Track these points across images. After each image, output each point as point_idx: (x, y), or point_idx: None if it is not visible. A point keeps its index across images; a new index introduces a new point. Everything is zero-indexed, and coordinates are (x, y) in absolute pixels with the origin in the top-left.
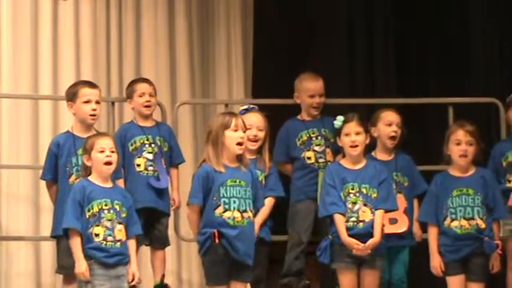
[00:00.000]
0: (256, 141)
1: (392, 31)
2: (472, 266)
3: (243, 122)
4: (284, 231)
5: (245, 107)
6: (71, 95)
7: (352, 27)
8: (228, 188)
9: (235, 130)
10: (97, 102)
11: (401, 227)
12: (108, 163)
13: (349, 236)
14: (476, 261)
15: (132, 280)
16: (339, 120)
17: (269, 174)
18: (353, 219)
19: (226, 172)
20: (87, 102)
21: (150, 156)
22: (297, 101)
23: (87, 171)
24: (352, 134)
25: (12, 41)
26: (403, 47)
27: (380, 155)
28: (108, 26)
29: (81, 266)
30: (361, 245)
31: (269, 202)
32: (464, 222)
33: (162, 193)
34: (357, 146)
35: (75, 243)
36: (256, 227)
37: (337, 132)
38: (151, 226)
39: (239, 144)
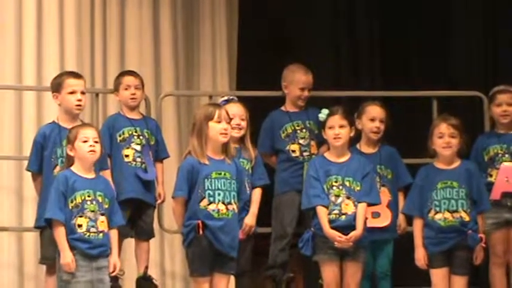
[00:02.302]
0: (240, 129)
1: (377, 25)
2: (456, 258)
3: (227, 113)
4: (268, 223)
5: (225, 98)
6: (56, 86)
7: (338, 18)
8: (212, 180)
9: (219, 121)
10: (82, 93)
11: (384, 221)
12: (91, 152)
13: (332, 228)
14: (460, 254)
15: (114, 271)
16: (323, 113)
17: (255, 164)
18: (335, 211)
19: (210, 164)
20: (72, 92)
21: (138, 148)
22: (284, 91)
23: (70, 161)
24: (336, 127)
25: None
26: (387, 41)
27: (364, 147)
28: (92, 18)
29: (67, 257)
30: (343, 237)
31: (259, 191)
32: (448, 215)
33: (149, 185)
34: (340, 138)
35: (60, 234)
36: (253, 218)
37: (322, 124)
38: (137, 218)
39: (223, 134)
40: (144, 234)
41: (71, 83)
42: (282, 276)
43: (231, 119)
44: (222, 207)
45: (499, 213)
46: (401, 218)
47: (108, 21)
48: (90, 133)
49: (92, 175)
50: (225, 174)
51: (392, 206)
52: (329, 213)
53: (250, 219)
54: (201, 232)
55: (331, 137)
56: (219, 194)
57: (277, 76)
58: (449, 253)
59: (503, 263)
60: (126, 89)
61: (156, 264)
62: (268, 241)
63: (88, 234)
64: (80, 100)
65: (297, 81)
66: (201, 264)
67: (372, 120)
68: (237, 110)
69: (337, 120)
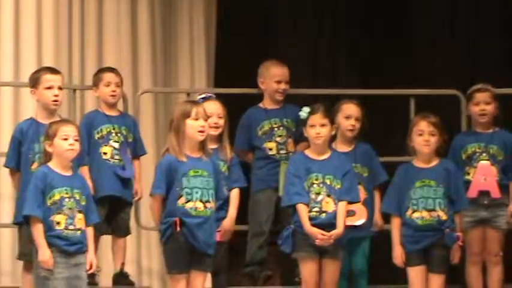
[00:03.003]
0: (217, 127)
1: (357, 23)
2: (433, 257)
3: (204, 111)
4: (245, 221)
5: (203, 95)
6: (34, 81)
7: (316, 17)
8: (190, 178)
9: (196, 119)
10: (59, 88)
11: (359, 219)
12: (71, 151)
13: (312, 226)
14: (437, 252)
15: (90, 268)
16: (304, 111)
17: (232, 165)
18: (316, 209)
19: (188, 162)
20: (49, 88)
21: (117, 145)
22: (261, 87)
23: (47, 156)
24: (317, 126)
25: None
26: (367, 38)
27: (339, 146)
28: (70, 14)
29: (45, 254)
30: (325, 235)
31: (236, 193)
32: (425, 214)
33: (126, 183)
34: (321, 137)
35: (37, 230)
36: (231, 222)
37: (303, 122)
38: (114, 215)
39: (200, 132)
40: (120, 231)
41: (48, 78)
42: (259, 274)
43: (208, 117)
44: (199, 205)
45: (475, 211)
46: (377, 216)
47: (86, 18)
48: (70, 130)
49: (69, 172)
50: (202, 172)
51: (368, 203)
52: (309, 211)
53: (228, 224)
54: (178, 229)
55: (313, 136)
56: (196, 192)
57: (255, 74)
58: (427, 251)
59: (479, 261)
60: (106, 85)
61: (132, 261)
62: (245, 239)
63: (66, 231)
64: (57, 95)
65: (272, 75)
66: (178, 261)
67: (348, 118)
68: (214, 108)
69: (318, 119)
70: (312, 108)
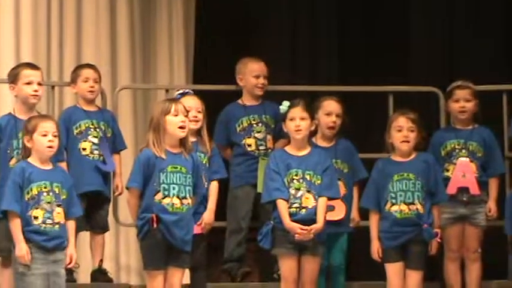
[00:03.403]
0: (197, 121)
1: (336, 19)
2: (411, 253)
3: (184, 107)
4: (223, 217)
5: (180, 91)
6: (13, 77)
7: (295, 14)
8: (168, 174)
9: (176, 115)
10: (39, 84)
11: (338, 215)
12: (50, 147)
13: (292, 221)
14: (415, 249)
15: (70, 262)
16: (284, 105)
17: (212, 156)
18: (296, 205)
19: (167, 158)
20: (28, 83)
21: (96, 141)
22: (240, 84)
23: (26, 152)
24: (297, 119)
25: None
26: (346, 34)
27: (320, 141)
28: (48, 10)
29: (22, 249)
30: (304, 229)
31: (216, 185)
32: (404, 207)
33: (106, 177)
34: (301, 130)
35: (15, 225)
36: (211, 214)
37: (283, 117)
38: (93, 211)
39: (181, 128)
40: (99, 227)
41: (27, 73)
42: (237, 270)
43: (188, 113)
44: (176, 201)
45: (454, 208)
46: (355, 212)
47: (64, 14)
48: (49, 126)
49: (49, 166)
50: (181, 168)
51: (347, 199)
52: (289, 207)
53: (208, 216)
54: (155, 225)
55: (292, 129)
56: (173, 188)
57: (234, 70)
58: (404, 248)
59: (458, 258)
60: (84, 81)
61: (111, 257)
62: (223, 235)
63: (44, 226)
64: (36, 90)
65: (250, 70)
66: (155, 257)
67: (328, 115)
68: (193, 102)
69: (298, 112)
70: (292, 102)
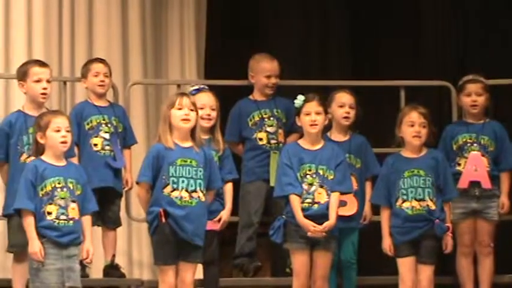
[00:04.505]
0: (210, 119)
1: (347, 14)
2: (423, 248)
3: (192, 102)
4: (235, 212)
5: (196, 87)
6: (22, 74)
7: (308, 7)
8: (177, 167)
9: (180, 108)
10: (48, 81)
11: (350, 210)
12: (64, 143)
13: (304, 217)
14: (427, 243)
15: (87, 257)
16: (299, 99)
17: (225, 157)
18: (308, 200)
19: (177, 151)
20: (37, 81)
21: (107, 136)
22: (251, 81)
23: (39, 149)
24: (313, 113)
25: None
26: (357, 29)
27: (335, 135)
28: (60, 6)
29: (35, 246)
30: (317, 227)
31: (231, 186)
32: (415, 203)
33: (117, 173)
34: (316, 125)
35: (29, 223)
36: (229, 213)
37: (297, 111)
38: (104, 206)
39: (184, 120)
40: (111, 222)
41: (36, 71)
42: (249, 265)
43: (195, 107)
44: (185, 194)
45: (466, 202)
46: (367, 208)
47: (76, 10)
48: (62, 122)
49: (62, 162)
50: (191, 161)
51: (359, 195)
52: (302, 202)
53: (226, 216)
54: (163, 220)
55: (308, 124)
56: (183, 181)
57: (246, 65)
58: (416, 242)
59: (470, 253)
60: (95, 75)
61: (123, 252)
62: (235, 230)
63: (57, 221)
64: (45, 88)
65: (262, 69)
66: (165, 252)
67: (341, 106)
68: (207, 99)
69: (313, 106)
70: (307, 96)
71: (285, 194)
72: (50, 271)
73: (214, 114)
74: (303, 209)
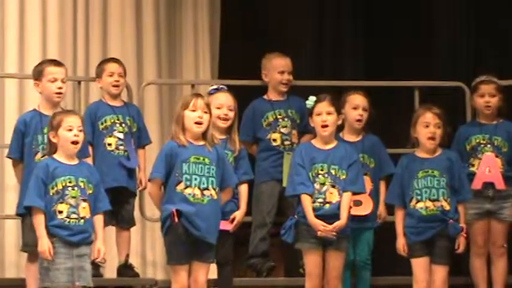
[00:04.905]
0: (227, 119)
1: (361, 13)
2: (436, 248)
3: (206, 104)
4: (248, 212)
5: (215, 86)
6: (37, 74)
7: (322, 9)
8: (190, 164)
9: (193, 110)
10: (63, 81)
11: (365, 210)
12: (75, 142)
13: (316, 217)
14: (441, 243)
15: (98, 257)
16: (311, 100)
17: (241, 158)
18: (320, 200)
19: (190, 148)
20: (52, 80)
21: (121, 136)
22: (265, 80)
23: (52, 147)
24: (324, 114)
25: None
26: (371, 29)
27: (347, 136)
28: (75, 6)
29: (44, 244)
30: (327, 227)
31: (246, 187)
32: (429, 204)
33: (131, 173)
34: (327, 126)
35: (38, 221)
36: (243, 214)
37: (309, 112)
38: (118, 206)
39: (197, 123)
40: (125, 222)
41: (51, 70)
42: (263, 265)
43: (209, 108)
44: (197, 192)
45: (480, 203)
46: (381, 208)
47: (90, 10)
48: (74, 121)
49: (74, 161)
50: (204, 159)
51: (374, 194)
52: (313, 202)
53: (240, 216)
54: (176, 220)
55: (319, 124)
56: (195, 179)
57: (259, 65)
58: (430, 243)
59: (484, 253)
60: (109, 75)
61: (137, 252)
62: (249, 230)
63: (68, 220)
64: (60, 88)
65: (274, 66)
66: (177, 252)
67: (355, 108)
68: (225, 99)
69: (324, 106)
70: (319, 97)
71: (296, 193)
72: (60, 270)
73: (231, 114)
74: (315, 209)
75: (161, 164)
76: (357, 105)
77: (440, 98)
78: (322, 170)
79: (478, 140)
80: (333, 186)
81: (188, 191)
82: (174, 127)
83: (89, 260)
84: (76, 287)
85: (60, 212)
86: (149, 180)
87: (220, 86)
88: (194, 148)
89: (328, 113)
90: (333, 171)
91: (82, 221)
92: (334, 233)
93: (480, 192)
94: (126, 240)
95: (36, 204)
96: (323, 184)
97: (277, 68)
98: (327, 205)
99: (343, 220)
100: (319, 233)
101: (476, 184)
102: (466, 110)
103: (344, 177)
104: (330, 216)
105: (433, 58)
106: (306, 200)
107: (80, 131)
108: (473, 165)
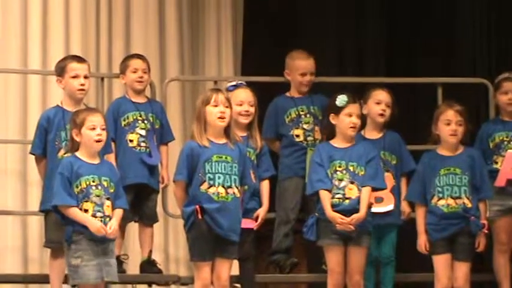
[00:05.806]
0: (248, 115)
1: (384, 12)
2: (458, 245)
3: (227, 98)
4: (271, 208)
5: (233, 83)
6: (60, 70)
7: (343, 7)
8: (213, 163)
9: (215, 105)
10: (85, 77)
11: (387, 206)
12: (98, 141)
13: (335, 212)
14: (462, 240)
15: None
16: (342, 99)
17: (262, 154)
18: (339, 195)
19: (212, 148)
20: (75, 77)
21: (143, 133)
22: (287, 78)
23: (74, 145)
24: (354, 116)
25: (1, 15)
26: (393, 27)
27: (369, 133)
28: (98, 2)
29: (94, 224)
30: (344, 219)
31: (268, 184)
32: (451, 201)
33: (153, 170)
34: (355, 128)
35: (76, 214)
36: (265, 212)
37: (336, 109)
38: (141, 202)
39: (220, 118)
40: (148, 218)
41: (74, 67)
42: (286, 262)
43: (230, 103)
44: (221, 190)
45: (504, 200)
46: (404, 204)
47: (113, 6)
48: (97, 120)
49: (96, 160)
50: (226, 157)
51: (396, 191)
52: (332, 197)
53: (264, 213)
54: (199, 216)
55: (348, 125)
56: (219, 178)
57: (282, 62)
58: (452, 239)
59: (507, 251)
60: (133, 72)
61: (160, 248)
62: (271, 226)
63: (94, 218)
64: (83, 84)
65: (297, 67)
66: (201, 248)
67: (378, 103)
68: (245, 95)
69: (357, 109)
70: (350, 97)
71: (315, 190)
72: (89, 267)
73: (252, 110)
74: (334, 205)
75: (183, 165)
76: (380, 100)
77: (463, 95)
78: (340, 167)
79: (501, 137)
80: (352, 182)
81: (212, 190)
82: (196, 127)
83: (114, 255)
84: (104, 282)
85: (86, 210)
86: (174, 182)
87: (239, 82)
88: (216, 147)
89: (358, 116)
90: (351, 168)
91: (107, 219)
92: (352, 227)
93: (504, 190)
94: (149, 237)
95: (68, 203)
96: (341, 180)
97: (299, 70)
98: (346, 201)
99: (361, 213)
100: (337, 226)
101: (500, 181)
102: (489, 107)
103: (363, 173)
104: (350, 212)
105: (456, 58)
106: (324, 195)
107: (103, 129)
108: (496, 163)
